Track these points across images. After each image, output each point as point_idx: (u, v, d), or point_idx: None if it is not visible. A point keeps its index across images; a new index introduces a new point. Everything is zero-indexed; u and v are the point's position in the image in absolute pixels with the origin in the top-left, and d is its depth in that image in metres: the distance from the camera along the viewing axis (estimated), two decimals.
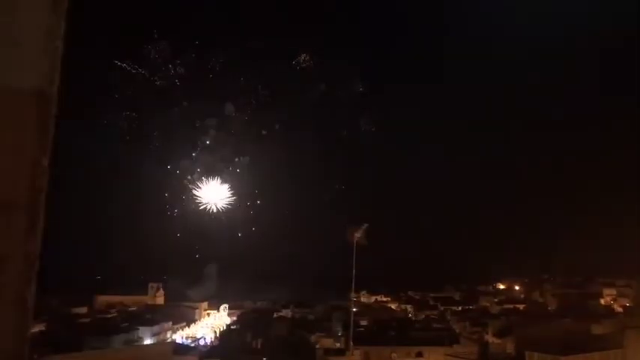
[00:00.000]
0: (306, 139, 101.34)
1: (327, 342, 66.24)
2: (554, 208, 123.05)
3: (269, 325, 71.18)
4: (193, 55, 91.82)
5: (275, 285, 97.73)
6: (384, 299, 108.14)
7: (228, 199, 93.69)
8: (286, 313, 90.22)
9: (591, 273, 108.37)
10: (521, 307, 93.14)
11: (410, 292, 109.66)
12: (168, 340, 70.57)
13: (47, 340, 47.48)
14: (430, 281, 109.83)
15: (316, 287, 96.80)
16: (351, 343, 56.69)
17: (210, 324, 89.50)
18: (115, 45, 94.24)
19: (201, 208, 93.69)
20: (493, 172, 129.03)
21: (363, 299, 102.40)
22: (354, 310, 70.28)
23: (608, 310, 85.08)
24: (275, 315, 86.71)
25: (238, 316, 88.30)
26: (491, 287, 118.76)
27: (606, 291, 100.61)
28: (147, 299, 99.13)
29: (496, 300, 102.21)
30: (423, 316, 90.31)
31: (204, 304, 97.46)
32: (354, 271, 49.51)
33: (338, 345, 65.64)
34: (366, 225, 52.78)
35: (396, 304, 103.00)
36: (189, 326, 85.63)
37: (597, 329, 56.96)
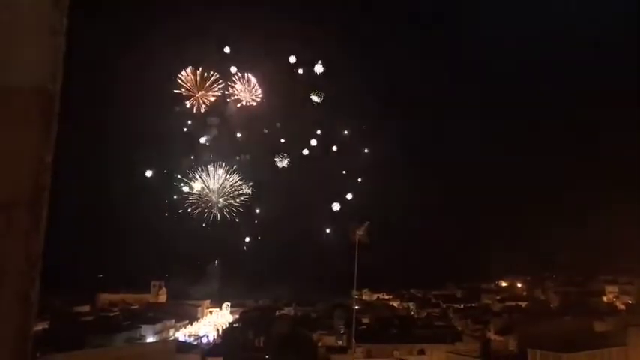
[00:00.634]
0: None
1: (330, 340, 66.32)
2: (556, 205, 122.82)
3: (271, 323, 71.25)
4: None
5: (277, 283, 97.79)
6: (386, 297, 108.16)
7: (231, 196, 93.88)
8: (288, 310, 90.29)
9: (593, 270, 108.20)
10: (523, 304, 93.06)
11: (412, 290, 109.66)
12: (171, 338, 70.66)
13: (50, 338, 47.59)
14: (432, 279, 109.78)
15: (318, 285, 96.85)
16: (354, 340, 56.72)
17: (213, 322, 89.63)
18: None
19: (203, 207, 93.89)
20: (495, 170, 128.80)
21: (365, 297, 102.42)
22: (357, 307, 70.32)
23: (611, 308, 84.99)
24: (277, 313, 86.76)
25: (240, 314, 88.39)
26: (493, 285, 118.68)
27: (608, 288, 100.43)
28: (149, 297, 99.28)
29: (498, 297, 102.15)
30: (425, 313, 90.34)
31: (207, 302, 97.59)
32: (356, 268, 49.48)
33: (340, 343, 65.73)
34: (367, 223, 52.76)
35: (398, 302, 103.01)
36: (191, 324, 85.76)
37: (599, 327, 56.92)
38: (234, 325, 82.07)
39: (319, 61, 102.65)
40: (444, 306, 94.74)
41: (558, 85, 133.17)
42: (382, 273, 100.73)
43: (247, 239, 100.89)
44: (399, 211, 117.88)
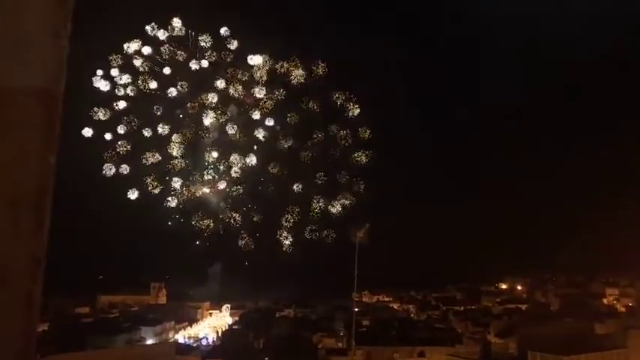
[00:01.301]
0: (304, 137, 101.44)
1: (330, 342, 66.29)
2: (556, 207, 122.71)
3: (271, 325, 71.28)
4: None
5: (277, 284, 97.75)
6: (386, 299, 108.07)
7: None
8: (288, 312, 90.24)
9: (594, 273, 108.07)
10: (523, 307, 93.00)
11: (412, 292, 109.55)
12: (171, 340, 70.66)
13: (50, 339, 47.58)
14: (432, 281, 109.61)
15: (318, 287, 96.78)
16: (353, 343, 56.74)
17: (213, 324, 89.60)
18: None
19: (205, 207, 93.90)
20: (495, 171, 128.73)
21: (365, 299, 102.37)
22: (356, 310, 70.33)
23: (611, 310, 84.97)
24: (277, 315, 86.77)
25: (240, 316, 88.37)
26: (493, 287, 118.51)
27: (609, 291, 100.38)
28: (149, 299, 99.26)
29: (498, 300, 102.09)
30: (425, 316, 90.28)
31: (207, 304, 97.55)
32: (356, 270, 49.55)
33: (340, 345, 65.70)
34: (367, 225, 52.86)
35: (398, 304, 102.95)
36: (191, 326, 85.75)
37: (600, 329, 56.89)
38: (234, 327, 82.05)
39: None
40: (444, 308, 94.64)
41: (559, 84, 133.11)
42: (382, 275, 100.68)
43: (247, 240, 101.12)
44: (398, 212, 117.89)
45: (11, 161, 1.44)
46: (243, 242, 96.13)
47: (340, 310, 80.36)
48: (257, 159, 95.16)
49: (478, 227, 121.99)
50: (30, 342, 1.42)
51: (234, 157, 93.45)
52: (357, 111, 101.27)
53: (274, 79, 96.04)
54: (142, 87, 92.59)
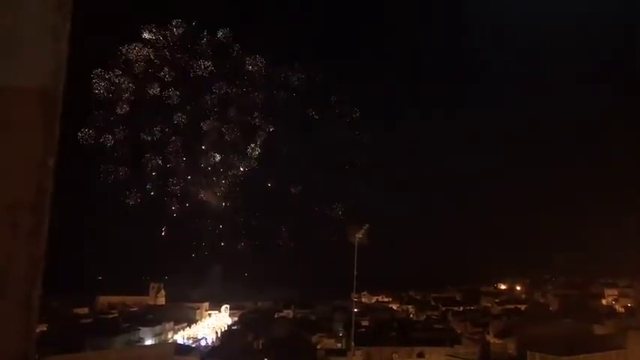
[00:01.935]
0: (303, 136, 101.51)
1: (329, 342, 66.27)
2: (555, 208, 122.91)
3: (270, 326, 71.16)
4: None
5: (276, 285, 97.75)
6: (386, 299, 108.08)
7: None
8: (287, 313, 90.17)
9: (593, 273, 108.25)
10: (522, 307, 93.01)
11: (411, 293, 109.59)
12: (170, 341, 70.59)
13: (49, 340, 47.48)
14: (431, 282, 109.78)
15: (317, 287, 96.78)
16: (353, 343, 56.66)
17: (212, 324, 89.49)
18: None
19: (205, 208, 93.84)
20: (495, 173, 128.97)
21: (364, 299, 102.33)
22: (356, 310, 70.23)
23: (610, 311, 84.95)
24: (276, 315, 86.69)
25: (239, 317, 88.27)
26: (492, 288, 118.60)
27: (608, 291, 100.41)
28: (148, 300, 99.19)
29: (497, 300, 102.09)
30: (425, 316, 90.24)
31: (206, 305, 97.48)
32: (355, 271, 49.50)
33: (339, 345, 65.66)
34: (367, 225, 52.79)
35: (398, 305, 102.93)
36: (190, 327, 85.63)
37: (599, 330, 56.92)
38: (233, 327, 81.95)
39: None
40: (444, 309, 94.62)
41: (561, 87, 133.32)
42: (381, 275, 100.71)
43: (245, 242, 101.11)
44: (396, 213, 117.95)
45: (10, 163, 1.44)
46: (242, 244, 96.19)
47: (339, 311, 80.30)
48: (256, 162, 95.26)
49: (478, 228, 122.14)
50: (29, 344, 1.42)
51: (234, 160, 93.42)
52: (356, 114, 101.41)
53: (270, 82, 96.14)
54: (141, 89, 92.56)
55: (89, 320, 76.26)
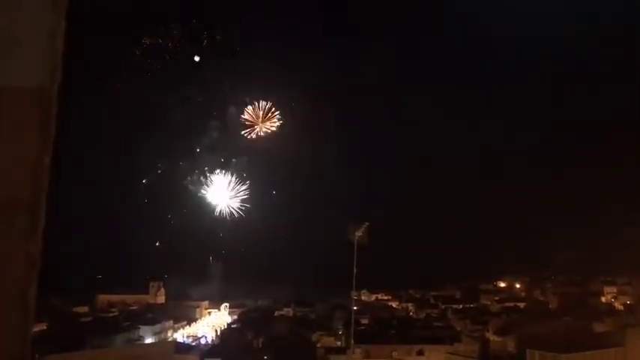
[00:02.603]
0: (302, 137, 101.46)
1: (328, 340, 66.35)
2: (554, 205, 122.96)
3: (270, 324, 71.28)
4: None
5: (276, 283, 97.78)
6: (385, 297, 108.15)
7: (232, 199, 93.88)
8: (287, 311, 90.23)
9: (592, 271, 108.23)
10: (521, 305, 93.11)
11: (410, 291, 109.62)
12: (170, 339, 70.69)
13: (49, 339, 47.51)
14: (431, 279, 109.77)
15: (317, 286, 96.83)
16: (352, 341, 56.73)
17: (211, 323, 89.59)
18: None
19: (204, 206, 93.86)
20: (494, 170, 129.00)
21: (363, 297, 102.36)
22: (355, 308, 70.23)
23: (609, 308, 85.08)
24: (276, 314, 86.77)
25: (239, 315, 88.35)
26: (491, 285, 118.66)
27: (607, 289, 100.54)
28: (148, 298, 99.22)
29: (497, 298, 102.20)
30: (424, 314, 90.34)
31: (205, 303, 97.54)
32: (354, 269, 49.53)
33: (339, 343, 65.76)
34: (367, 224, 52.81)
35: (397, 303, 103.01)
36: (190, 325, 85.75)
37: (598, 327, 56.99)
38: (233, 326, 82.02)
39: None
40: (443, 307, 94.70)
41: (559, 84, 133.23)
42: (381, 274, 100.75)
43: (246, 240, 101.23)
44: (397, 211, 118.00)
45: (5, 161, 1.44)
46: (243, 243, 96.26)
47: (339, 309, 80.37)
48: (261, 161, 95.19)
49: (477, 226, 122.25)
50: (25, 344, 1.42)
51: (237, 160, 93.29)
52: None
53: None
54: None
55: (89, 319, 76.34)
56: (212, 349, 62.21)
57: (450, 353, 55.09)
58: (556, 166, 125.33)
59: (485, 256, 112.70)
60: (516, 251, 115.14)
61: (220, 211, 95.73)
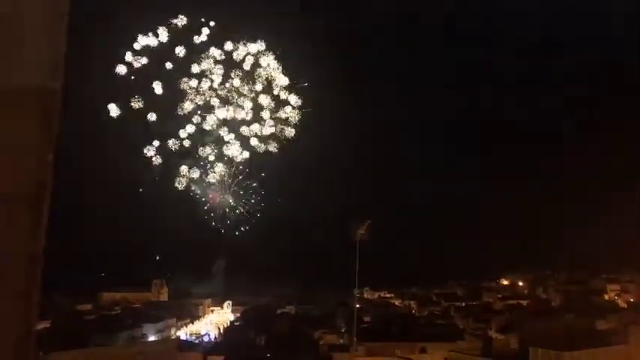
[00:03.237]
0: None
1: (331, 338, 66.44)
2: (557, 203, 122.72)
3: (273, 322, 71.35)
4: None
5: (279, 281, 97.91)
6: (388, 295, 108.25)
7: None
8: (290, 309, 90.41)
9: (595, 268, 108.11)
10: (524, 302, 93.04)
11: (413, 288, 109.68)
12: (173, 337, 70.83)
13: (52, 337, 47.70)
14: (433, 277, 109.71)
15: (320, 283, 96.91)
16: (355, 339, 56.87)
17: (214, 320, 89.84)
18: None
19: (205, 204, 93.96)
20: (496, 168, 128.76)
21: (366, 295, 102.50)
22: (358, 306, 70.44)
23: (612, 306, 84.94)
24: (279, 311, 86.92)
25: (242, 313, 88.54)
26: (494, 283, 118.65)
27: (610, 286, 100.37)
28: (151, 296, 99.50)
29: (499, 296, 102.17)
30: (427, 312, 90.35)
31: (208, 301, 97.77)
32: (357, 267, 49.62)
33: (342, 341, 65.86)
34: (368, 222, 52.90)
35: (400, 300, 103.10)
36: (193, 323, 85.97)
37: (601, 325, 56.94)
38: (236, 323, 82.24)
39: None
40: (446, 304, 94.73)
41: (559, 82, 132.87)
42: (383, 271, 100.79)
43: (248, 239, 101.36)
44: (399, 209, 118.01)
45: (9, 159, 1.44)
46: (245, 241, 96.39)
47: (342, 307, 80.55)
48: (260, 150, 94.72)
49: (479, 223, 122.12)
50: (29, 341, 1.42)
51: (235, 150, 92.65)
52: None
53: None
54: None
55: (92, 317, 76.61)
56: (215, 347, 62.41)
57: (452, 351, 55.06)
58: (560, 163, 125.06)
59: (487, 253, 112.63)
60: (519, 248, 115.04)
61: (222, 208, 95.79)
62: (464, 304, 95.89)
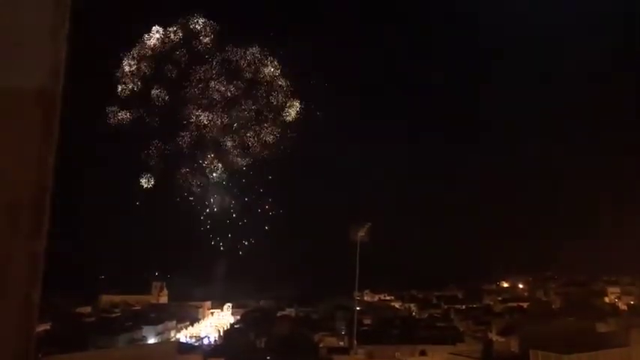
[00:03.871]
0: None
1: (331, 341, 66.36)
2: (558, 205, 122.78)
3: (273, 324, 71.29)
4: None
5: (279, 283, 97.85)
6: (388, 298, 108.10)
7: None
8: (290, 311, 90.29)
9: (595, 271, 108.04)
10: (524, 305, 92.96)
11: (413, 291, 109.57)
12: (172, 340, 70.75)
13: (52, 339, 47.65)
14: (433, 280, 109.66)
15: (320, 286, 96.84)
16: (355, 341, 56.74)
17: (214, 323, 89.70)
18: None
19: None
20: (496, 170, 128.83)
21: (366, 298, 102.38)
22: (358, 308, 70.29)
23: (613, 309, 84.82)
24: (278, 314, 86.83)
25: (242, 315, 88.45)
26: (494, 285, 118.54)
27: (611, 289, 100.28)
28: (150, 298, 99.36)
29: (500, 298, 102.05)
30: (427, 314, 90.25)
31: (208, 303, 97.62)
32: (357, 269, 49.56)
33: (342, 344, 65.75)
34: (369, 224, 52.86)
35: (400, 303, 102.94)
36: (193, 325, 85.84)
37: (602, 327, 56.81)
38: (236, 326, 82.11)
39: None
40: (446, 307, 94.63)
41: (560, 83, 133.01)
42: (383, 274, 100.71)
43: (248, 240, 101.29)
44: (399, 211, 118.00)
45: (9, 162, 1.44)
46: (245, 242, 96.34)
47: (341, 309, 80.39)
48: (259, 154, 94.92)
49: (480, 226, 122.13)
50: (29, 343, 1.42)
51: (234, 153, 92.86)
52: None
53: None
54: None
55: (92, 319, 76.57)
56: (215, 350, 62.28)
57: (452, 353, 54.94)
58: (560, 165, 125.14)
59: (487, 256, 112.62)
60: (519, 251, 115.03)
61: (222, 210, 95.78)
62: (464, 306, 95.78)
